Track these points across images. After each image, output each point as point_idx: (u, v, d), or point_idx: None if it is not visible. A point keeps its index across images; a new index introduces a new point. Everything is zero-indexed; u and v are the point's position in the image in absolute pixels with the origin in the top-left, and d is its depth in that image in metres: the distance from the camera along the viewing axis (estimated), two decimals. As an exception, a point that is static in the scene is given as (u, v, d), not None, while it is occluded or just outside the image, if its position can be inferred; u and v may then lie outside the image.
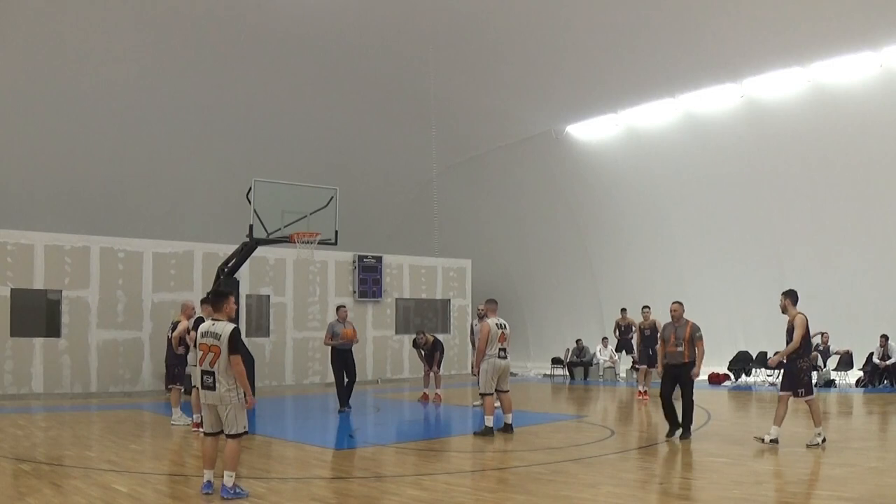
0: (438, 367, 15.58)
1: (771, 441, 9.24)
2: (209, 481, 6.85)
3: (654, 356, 13.67)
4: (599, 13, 16.97)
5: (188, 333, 11.15)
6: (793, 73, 16.98)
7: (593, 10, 16.94)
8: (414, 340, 16.28)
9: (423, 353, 15.79)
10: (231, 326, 6.83)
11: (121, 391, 17.07)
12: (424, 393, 15.79)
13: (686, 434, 9.97)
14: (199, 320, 10.96)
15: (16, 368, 15.94)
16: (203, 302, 11.49)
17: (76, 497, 6.80)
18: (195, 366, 10.55)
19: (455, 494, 7.06)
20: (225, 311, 6.96)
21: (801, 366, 9.27)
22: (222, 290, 7.29)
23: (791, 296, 9.41)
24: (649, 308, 15.99)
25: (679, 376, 10.19)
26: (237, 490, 6.73)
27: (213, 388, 6.73)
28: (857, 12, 14.79)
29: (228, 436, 6.81)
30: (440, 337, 17.65)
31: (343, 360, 13.91)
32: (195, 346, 6.96)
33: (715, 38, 16.63)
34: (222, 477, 6.77)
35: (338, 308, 14.62)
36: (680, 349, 10.12)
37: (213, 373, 6.71)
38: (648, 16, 16.56)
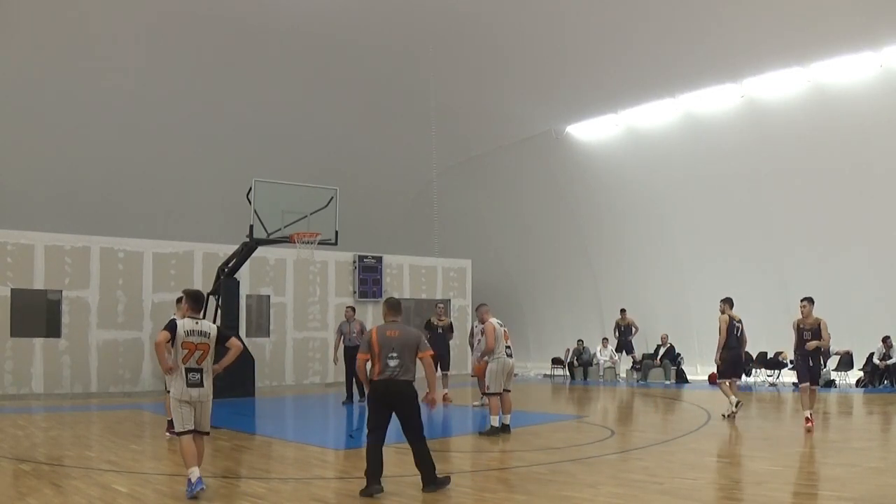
0: (447, 368, 15.43)
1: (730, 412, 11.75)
2: (200, 477, 6.77)
3: (816, 368, 10.96)
4: (600, 13, 16.96)
5: None
6: (793, 73, 16.97)
7: (593, 10, 16.94)
8: (427, 321, 15.83)
9: (437, 331, 15.28)
10: (214, 324, 7.23)
11: (121, 391, 17.08)
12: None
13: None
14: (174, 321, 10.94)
15: (16, 368, 15.94)
16: (178, 301, 11.46)
17: (76, 497, 6.79)
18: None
19: (455, 494, 7.05)
20: (201, 312, 7.22)
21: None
22: (200, 292, 7.53)
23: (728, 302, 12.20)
24: (811, 301, 11.08)
25: None
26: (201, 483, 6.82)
27: (200, 384, 6.86)
28: (857, 12, 14.79)
29: (202, 433, 6.96)
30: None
31: (351, 356, 14.63)
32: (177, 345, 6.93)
33: (715, 38, 16.62)
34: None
35: (346, 308, 15.82)
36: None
37: (201, 370, 6.87)
38: (649, 16, 16.56)
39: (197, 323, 6.98)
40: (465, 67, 19.97)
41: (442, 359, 15.40)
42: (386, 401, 7.02)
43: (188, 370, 6.85)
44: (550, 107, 21.27)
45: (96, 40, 17.50)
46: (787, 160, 17.95)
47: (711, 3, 15.89)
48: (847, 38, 15.42)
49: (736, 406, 11.75)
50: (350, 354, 14.63)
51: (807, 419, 10.37)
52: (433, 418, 13.70)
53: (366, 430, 7.09)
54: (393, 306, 7.31)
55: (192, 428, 6.86)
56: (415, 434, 7.02)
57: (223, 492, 7.15)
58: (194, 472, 6.71)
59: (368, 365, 7.17)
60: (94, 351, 16.88)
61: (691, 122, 19.44)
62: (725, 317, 12.07)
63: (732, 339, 12.03)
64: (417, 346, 7.10)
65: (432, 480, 6.96)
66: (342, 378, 20.20)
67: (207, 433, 7.08)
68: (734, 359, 12.15)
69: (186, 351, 6.86)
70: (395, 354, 6.98)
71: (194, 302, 7.14)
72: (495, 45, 18.92)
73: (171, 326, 6.89)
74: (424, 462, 6.97)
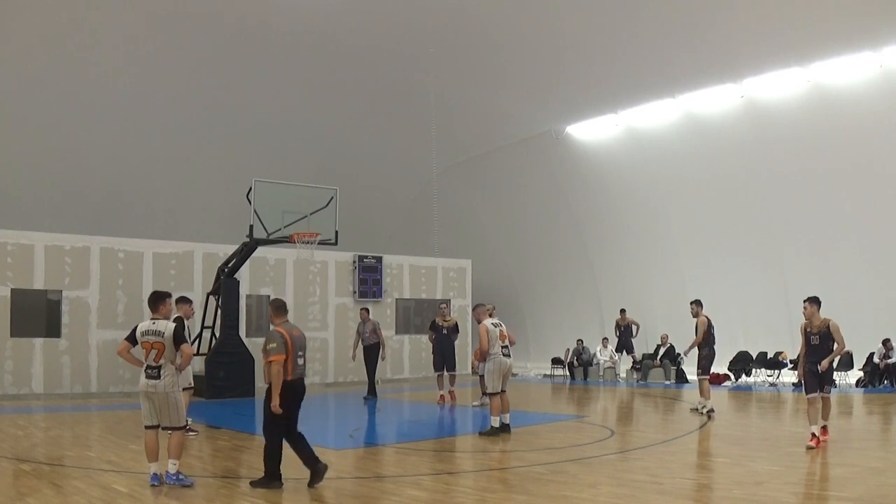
0: (453, 368, 15.33)
1: (708, 412, 12.43)
2: (156, 473, 7.19)
3: (826, 375, 9.30)
4: (599, 13, 16.96)
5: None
6: (793, 73, 16.96)
7: (593, 10, 16.94)
8: (432, 322, 15.58)
9: (442, 332, 15.08)
10: (173, 324, 7.47)
11: (121, 391, 17.07)
12: (442, 395, 15.15)
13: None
14: (179, 320, 10.93)
15: (16, 368, 15.94)
16: (177, 301, 11.42)
17: (76, 497, 6.80)
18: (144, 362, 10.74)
19: (455, 494, 7.06)
20: (161, 312, 7.52)
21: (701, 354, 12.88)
22: (161, 293, 7.78)
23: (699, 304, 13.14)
24: (816, 301, 9.69)
25: None
26: (180, 476, 7.19)
27: (157, 377, 7.20)
28: (857, 12, 14.78)
29: (172, 429, 7.30)
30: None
31: (366, 355, 16.15)
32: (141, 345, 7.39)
33: (715, 38, 16.62)
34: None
35: (361, 310, 17.12)
36: None
37: (158, 367, 7.24)
38: (649, 16, 16.55)
39: (154, 323, 7.37)
40: (465, 68, 19.97)
41: (447, 359, 15.38)
42: (298, 399, 7.38)
43: (147, 367, 7.29)
44: (550, 107, 21.27)
45: (96, 40, 17.50)
46: (786, 160, 17.94)
47: (711, 3, 15.89)
48: (847, 38, 15.41)
49: (709, 412, 12.52)
50: (365, 354, 16.04)
51: (813, 435, 8.94)
52: (432, 419, 13.70)
53: (270, 427, 7.26)
54: (282, 307, 7.58)
55: (153, 424, 7.29)
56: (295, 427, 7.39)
57: (223, 492, 7.17)
58: (150, 467, 7.22)
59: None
60: (94, 351, 16.88)
61: (691, 122, 19.43)
62: (704, 318, 12.92)
63: (711, 338, 12.88)
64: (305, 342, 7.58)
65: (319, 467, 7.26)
66: (343, 378, 20.31)
67: (182, 428, 7.42)
68: (713, 356, 13.00)
69: (144, 351, 7.31)
70: (301, 353, 7.40)
71: (150, 303, 7.56)
72: (495, 45, 18.92)
73: (130, 334, 7.39)
74: (308, 451, 7.35)
